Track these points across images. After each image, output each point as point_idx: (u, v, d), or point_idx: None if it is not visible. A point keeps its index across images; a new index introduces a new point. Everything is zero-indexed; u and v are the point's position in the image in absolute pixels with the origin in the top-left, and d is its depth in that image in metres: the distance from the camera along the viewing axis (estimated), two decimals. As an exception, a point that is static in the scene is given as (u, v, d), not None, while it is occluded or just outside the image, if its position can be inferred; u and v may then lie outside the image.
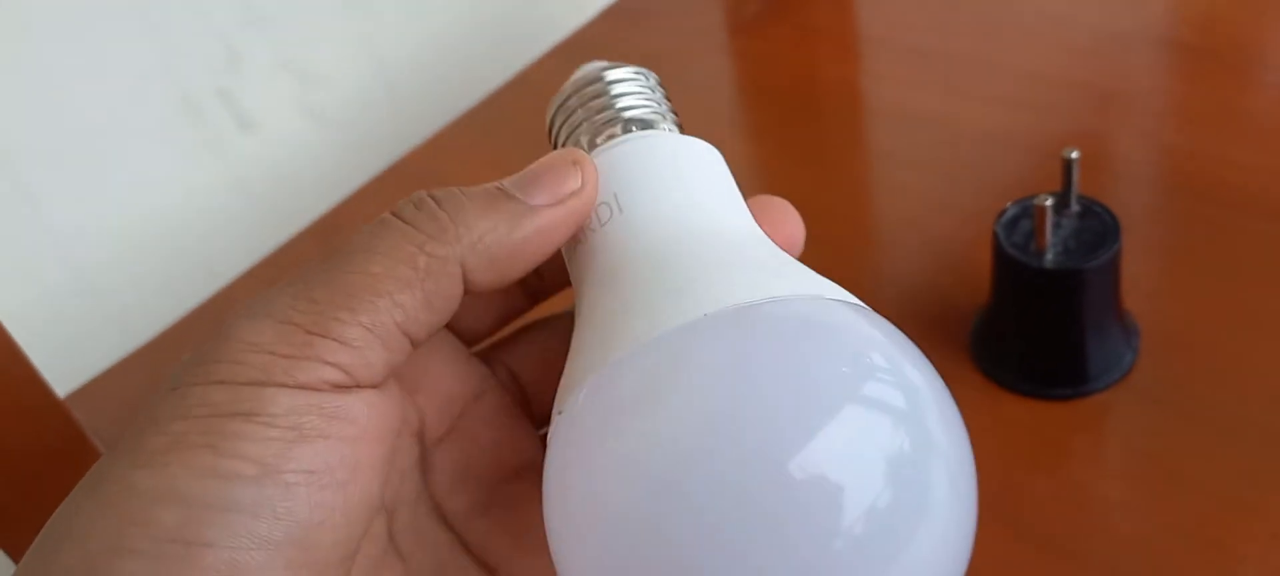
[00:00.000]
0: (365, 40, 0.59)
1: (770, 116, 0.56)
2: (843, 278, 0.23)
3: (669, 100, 0.26)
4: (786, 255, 0.23)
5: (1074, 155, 0.36)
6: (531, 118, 0.31)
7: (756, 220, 0.24)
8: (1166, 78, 0.52)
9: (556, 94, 0.25)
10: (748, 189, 0.25)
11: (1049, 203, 0.35)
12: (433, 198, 0.21)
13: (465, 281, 0.21)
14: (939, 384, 0.20)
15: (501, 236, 0.21)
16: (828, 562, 0.17)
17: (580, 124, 0.24)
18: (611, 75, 0.25)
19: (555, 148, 0.25)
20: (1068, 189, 0.36)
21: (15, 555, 0.35)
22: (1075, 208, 0.37)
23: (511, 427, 0.25)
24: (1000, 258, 0.37)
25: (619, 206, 0.23)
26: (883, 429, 0.18)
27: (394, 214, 0.21)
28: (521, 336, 0.27)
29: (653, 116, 0.25)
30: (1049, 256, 0.36)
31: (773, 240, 0.24)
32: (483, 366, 0.26)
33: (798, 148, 0.53)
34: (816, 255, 0.25)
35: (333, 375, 0.19)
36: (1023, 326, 0.38)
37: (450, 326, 0.25)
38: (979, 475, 0.39)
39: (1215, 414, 0.36)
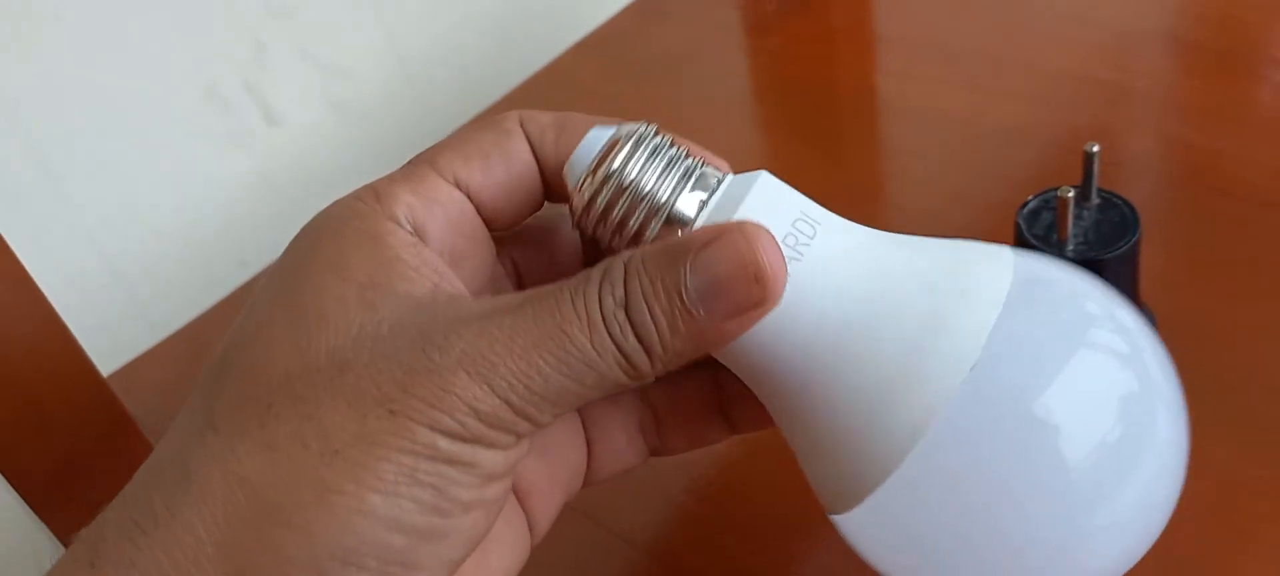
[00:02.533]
0: (388, 34, 0.60)
1: (787, 113, 0.57)
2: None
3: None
4: (941, 242, 0.26)
5: (1095, 149, 0.37)
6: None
7: None
8: (1180, 75, 0.53)
9: (590, 176, 0.24)
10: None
11: (1071, 194, 0.36)
12: (632, 322, 0.23)
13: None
14: (1147, 328, 0.25)
15: (681, 356, 0.24)
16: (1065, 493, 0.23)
17: (651, 189, 0.24)
18: (641, 133, 0.24)
19: (614, 226, 0.25)
20: (1088, 181, 0.37)
21: (61, 534, 0.36)
22: (1095, 200, 0.38)
23: None
24: (1022, 248, 0.37)
25: (814, 228, 0.24)
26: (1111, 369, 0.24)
27: (604, 322, 0.23)
28: (526, 230, 0.29)
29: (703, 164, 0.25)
30: (1070, 247, 0.36)
31: None
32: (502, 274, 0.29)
33: (815, 143, 0.54)
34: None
35: (516, 442, 0.23)
36: (1043, 316, 0.38)
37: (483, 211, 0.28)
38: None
39: (1230, 404, 0.37)
